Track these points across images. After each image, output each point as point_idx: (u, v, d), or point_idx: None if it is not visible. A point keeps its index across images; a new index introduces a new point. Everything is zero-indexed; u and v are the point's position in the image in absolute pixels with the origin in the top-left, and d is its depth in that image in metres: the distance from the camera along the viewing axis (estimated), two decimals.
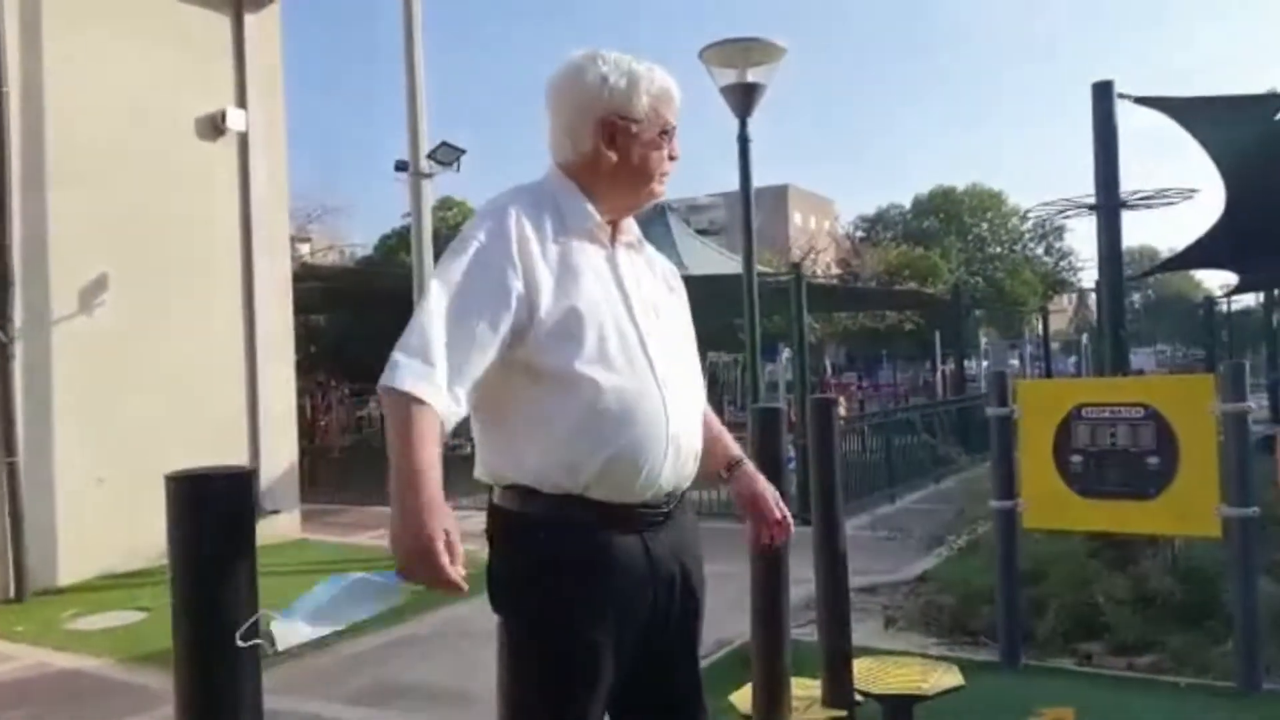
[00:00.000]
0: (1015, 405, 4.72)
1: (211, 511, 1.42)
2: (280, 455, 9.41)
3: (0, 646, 6.01)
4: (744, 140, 4.88)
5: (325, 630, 1.59)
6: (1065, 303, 50.66)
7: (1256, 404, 18.66)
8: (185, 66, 8.95)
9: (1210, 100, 6.33)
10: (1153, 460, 4.32)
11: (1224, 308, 24.37)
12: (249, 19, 9.47)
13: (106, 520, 7.70)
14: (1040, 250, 47.81)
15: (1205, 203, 9.01)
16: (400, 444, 1.61)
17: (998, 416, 4.73)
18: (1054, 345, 30.27)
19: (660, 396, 1.80)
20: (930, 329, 27.15)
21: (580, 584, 1.76)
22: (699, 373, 2.00)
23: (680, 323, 2.00)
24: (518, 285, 1.72)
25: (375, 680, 5.02)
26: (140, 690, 5.08)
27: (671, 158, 1.92)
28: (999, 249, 46.24)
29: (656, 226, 16.82)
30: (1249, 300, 24.51)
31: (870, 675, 3.50)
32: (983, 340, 28.81)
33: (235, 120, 9.15)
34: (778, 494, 2.13)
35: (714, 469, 2.09)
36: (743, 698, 3.16)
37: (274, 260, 9.64)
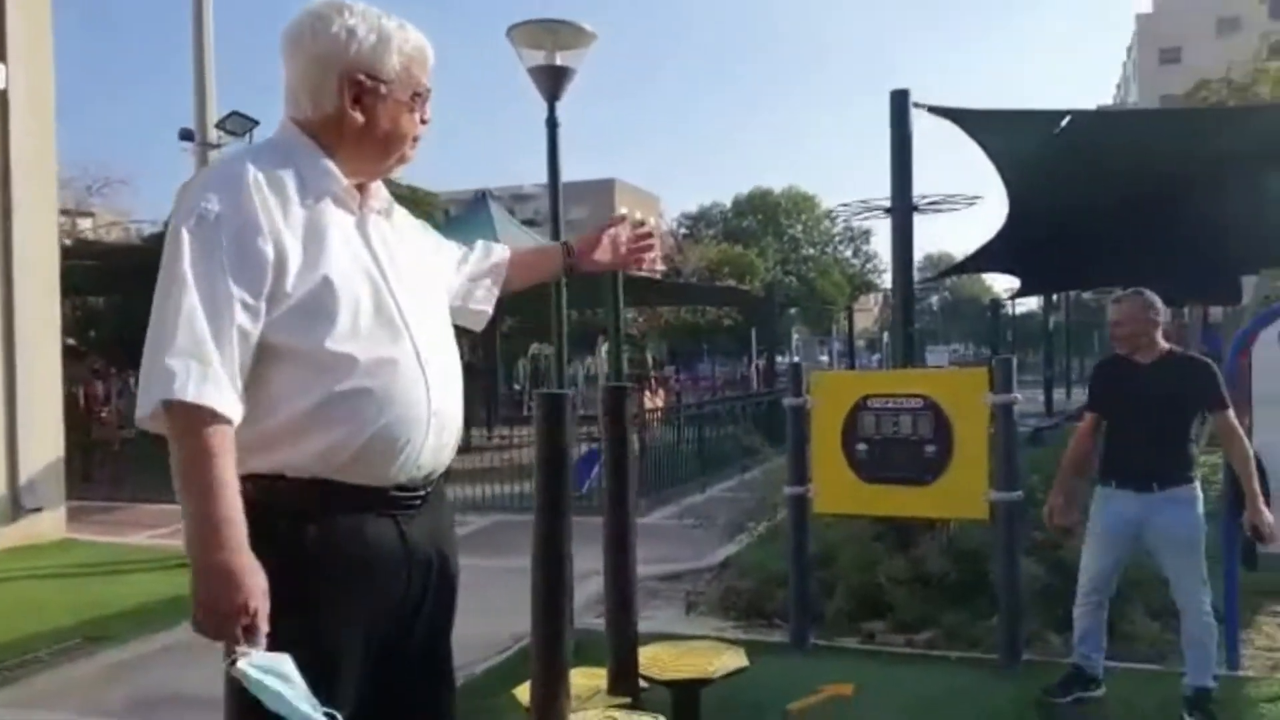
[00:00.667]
0: (810, 396, 4.89)
1: None
2: (43, 448, 8.56)
3: None
4: (553, 125, 4.82)
5: None
6: (871, 302, 53.75)
7: (1033, 399, 20.49)
8: None
9: (997, 113, 6.80)
10: (930, 448, 4.58)
11: (1009, 310, 26.53)
12: None
13: None
14: (849, 253, 50.61)
15: (1000, 211, 9.72)
16: (199, 480, 1.47)
17: (793, 406, 4.89)
18: (860, 343, 32.06)
19: (421, 372, 1.70)
20: (748, 325, 28.08)
21: (326, 580, 1.62)
22: (455, 345, 1.89)
23: (438, 292, 1.91)
24: (269, 253, 1.56)
25: (137, 690, 4.63)
26: None
27: (424, 122, 1.80)
28: (812, 250, 48.61)
29: (478, 214, 16.51)
30: (1033, 303, 26.74)
31: (659, 661, 3.52)
32: (795, 336, 30.10)
33: None
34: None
35: (554, 268, 2.25)
36: (524, 691, 3.10)
37: (38, 233, 8.74)
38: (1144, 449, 3.82)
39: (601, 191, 60.43)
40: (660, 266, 33.73)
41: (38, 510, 8.49)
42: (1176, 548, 3.79)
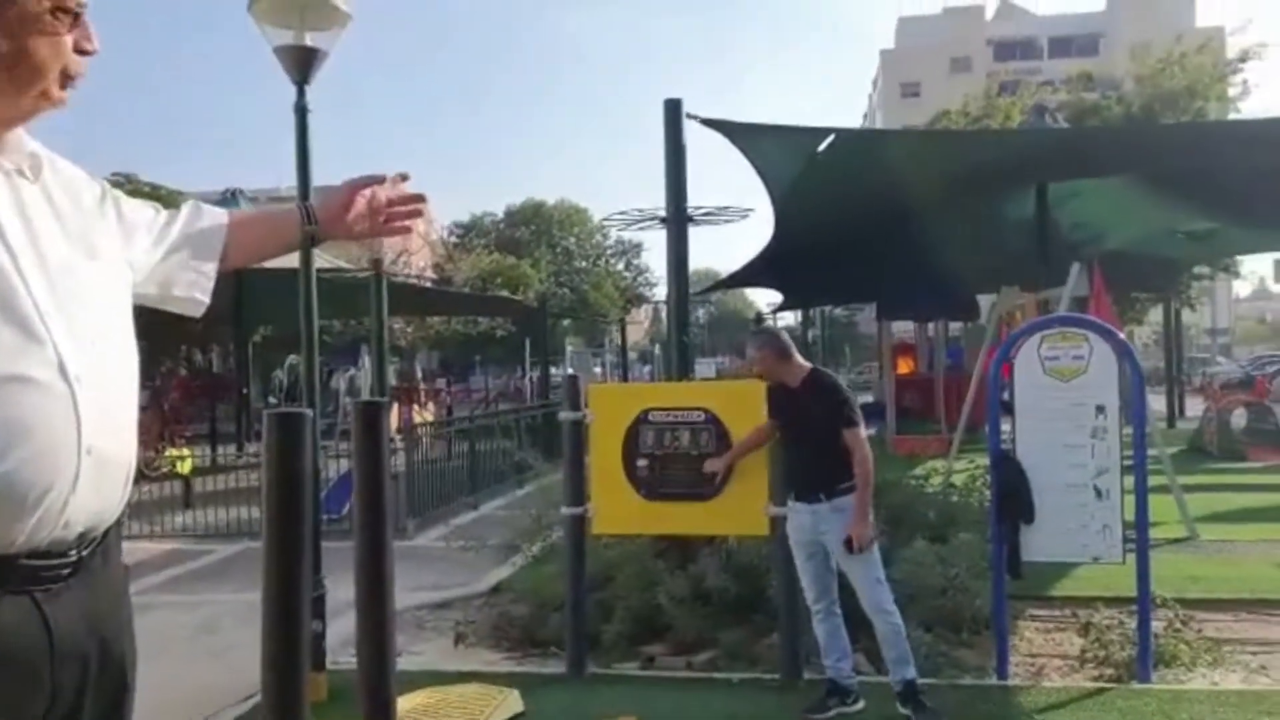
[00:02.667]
0: (588, 410, 4.65)
1: None
2: None
3: None
4: (302, 110, 4.30)
5: None
6: (642, 315, 54.92)
7: None
8: None
9: (765, 128, 6.90)
10: (710, 463, 4.45)
11: (772, 323, 27.81)
12: None
13: None
14: (621, 265, 51.42)
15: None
16: None
17: (570, 421, 4.63)
18: (632, 355, 32.57)
19: (69, 394, 1.27)
20: (521, 336, 27.73)
21: None
22: (133, 353, 1.44)
23: (109, 281, 1.43)
24: None
25: None
26: None
27: (82, 52, 1.36)
28: (585, 262, 48.93)
29: None
30: (793, 317, 28.17)
31: (424, 711, 3.13)
32: (568, 348, 30.11)
33: None
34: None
35: (289, 237, 1.77)
36: None
37: None
38: (807, 463, 4.11)
39: None
40: (430, 275, 32.77)
41: None
42: (848, 553, 3.94)
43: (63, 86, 1.35)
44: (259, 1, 4.11)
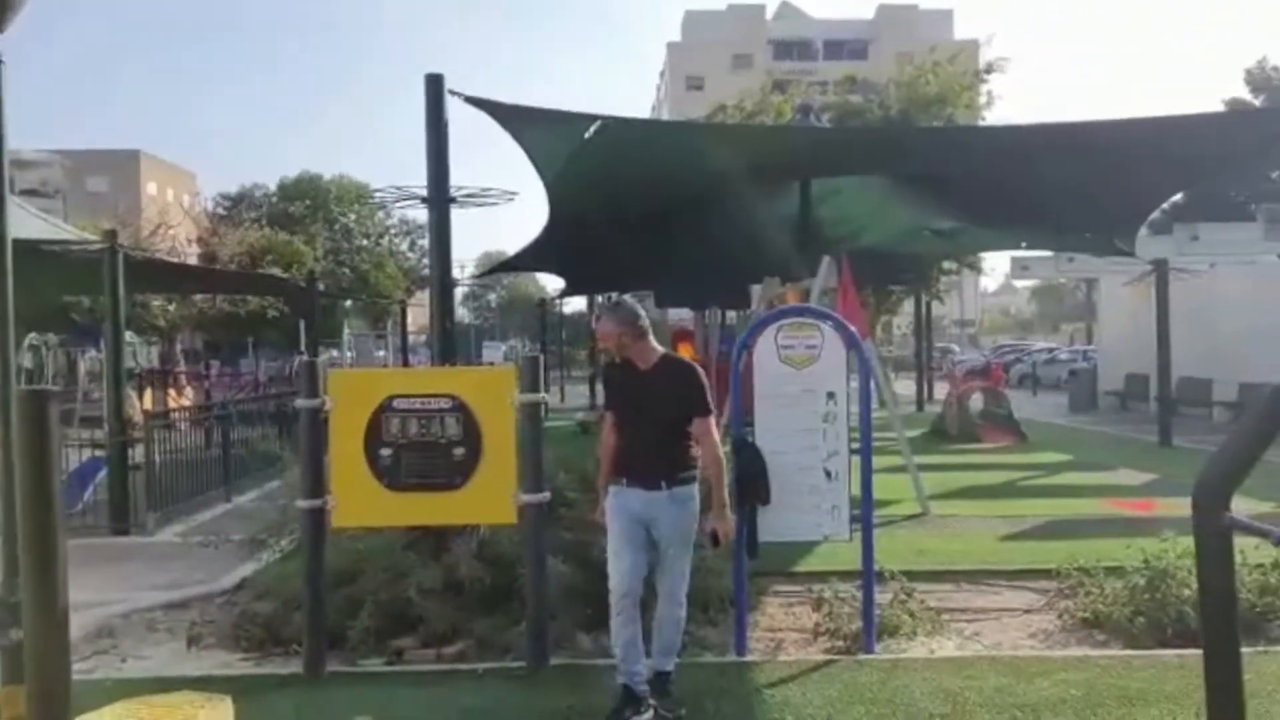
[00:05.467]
0: (328, 397, 4.41)
1: None
2: None
3: None
4: None
5: None
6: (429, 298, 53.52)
7: (582, 394, 21.72)
8: None
9: (532, 110, 6.80)
10: (459, 451, 4.35)
11: (558, 309, 27.84)
12: None
13: None
14: (405, 246, 49.79)
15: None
16: None
17: (307, 409, 4.37)
18: (420, 338, 31.65)
19: None
20: (296, 318, 26.30)
21: None
22: None
23: None
24: None
25: None
26: None
27: None
28: (366, 241, 46.98)
29: None
30: (583, 302, 28.33)
31: None
32: (347, 331, 28.86)
33: None
34: None
35: None
36: None
37: None
38: (648, 449, 3.91)
39: (126, 163, 53.37)
40: (194, 250, 30.46)
41: None
42: (681, 543, 3.93)
43: None
44: None
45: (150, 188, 53.12)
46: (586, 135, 7.10)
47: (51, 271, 10.62)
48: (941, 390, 19.44)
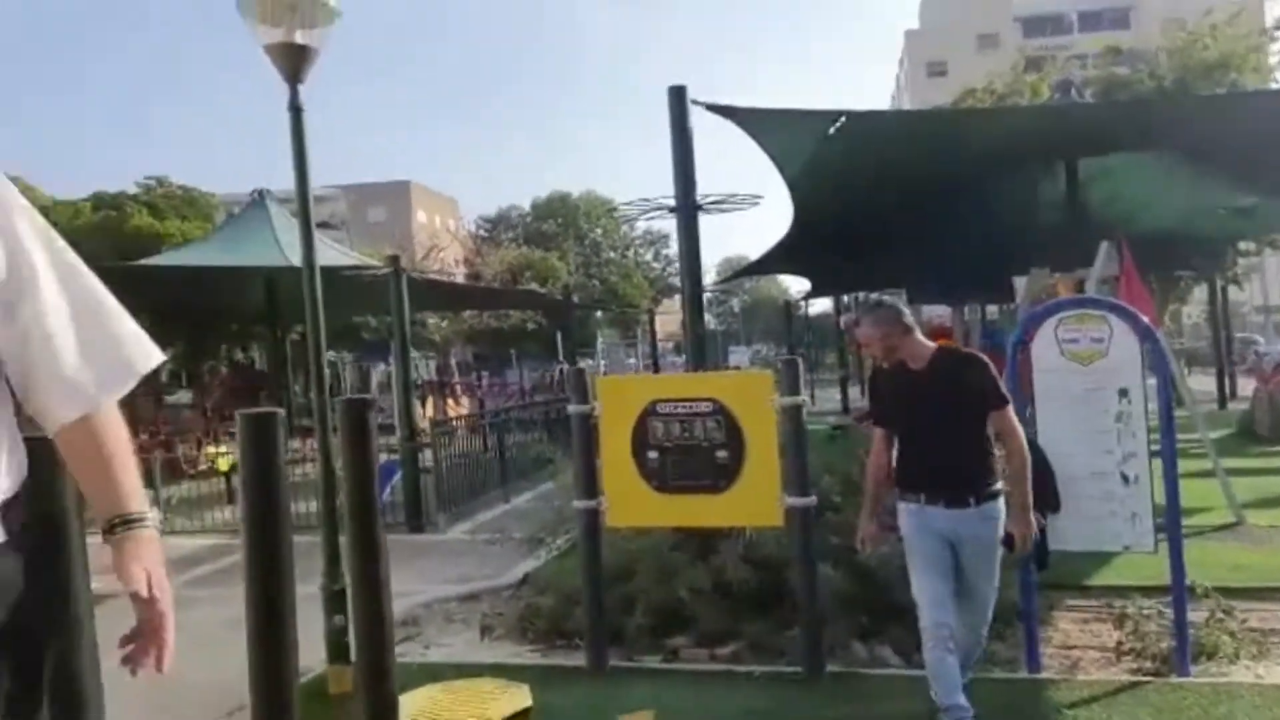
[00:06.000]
0: (596, 403, 4.62)
1: None
2: None
3: None
4: (296, 110, 4.30)
5: None
6: (676, 305, 54.82)
7: (832, 398, 21.32)
8: None
9: (771, 112, 6.79)
10: (722, 454, 4.40)
11: (804, 311, 27.52)
12: None
13: None
14: (649, 256, 51.30)
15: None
16: None
17: (578, 414, 4.60)
18: (669, 345, 32.47)
19: None
20: (553, 329, 27.76)
21: None
22: None
23: None
24: None
25: None
26: None
27: None
28: (613, 254, 48.88)
29: (255, 215, 15.33)
30: (828, 303, 27.86)
31: (430, 709, 3.13)
32: (600, 341, 30.11)
33: None
34: (160, 585, 1.45)
35: (87, 496, 1.48)
36: None
37: None
38: (948, 457, 3.56)
39: (398, 194, 58.71)
40: (461, 270, 32.92)
41: None
42: (988, 562, 3.63)
43: None
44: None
45: (420, 215, 58.12)
46: (830, 131, 7.01)
47: (344, 294, 11.85)
48: (1246, 386, 17.34)
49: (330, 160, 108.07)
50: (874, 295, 4.74)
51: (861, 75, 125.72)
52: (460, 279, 32.23)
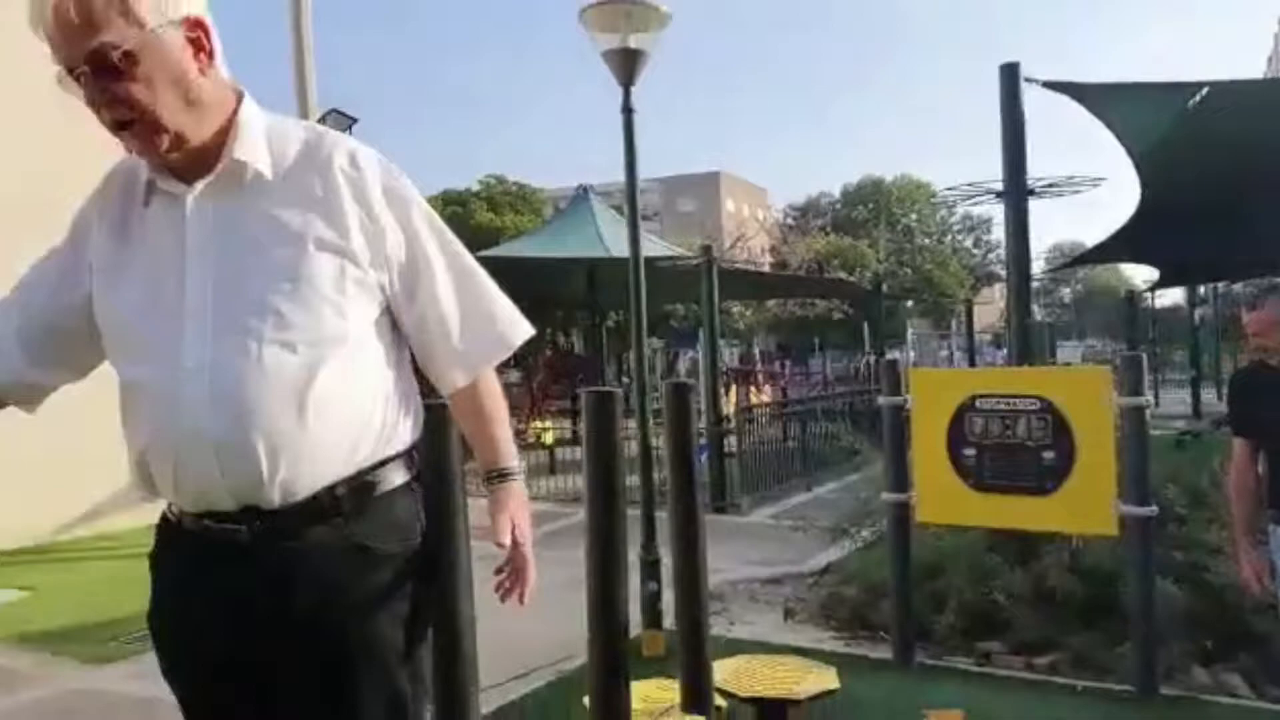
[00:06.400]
0: (908, 395, 4.53)
1: None
2: None
3: None
4: (628, 111, 4.60)
5: None
6: (996, 295, 51.70)
7: (1180, 400, 19.10)
8: None
9: (1122, 87, 6.22)
10: (1049, 455, 4.15)
11: (1149, 303, 24.81)
12: None
13: None
14: (969, 242, 48.61)
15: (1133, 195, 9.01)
16: None
17: (890, 406, 4.54)
18: (985, 337, 30.73)
19: (172, 389, 1.42)
20: (860, 319, 27.30)
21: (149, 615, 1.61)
22: (301, 332, 1.45)
23: (288, 268, 1.45)
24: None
25: None
26: (13, 674, 4.72)
27: (97, 105, 1.38)
28: (928, 240, 46.88)
29: (579, 209, 16.49)
30: (1178, 295, 24.99)
31: (741, 676, 3.27)
32: (910, 331, 29.10)
33: None
34: (523, 531, 1.62)
35: (480, 470, 1.69)
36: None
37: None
38: None
39: (708, 184, 60.20)
40: (767, 259, 33.21)
41: (144, 497, 8.87)
42: None
43: (121, 138, 1.42)
44: (588, 10, 4.46)
45: (729, 204, 59.26)
46: (1190, 104, 6.31)
47: (655, 283, 12.48)
48: None
49: (644, 152, 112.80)
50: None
51: (1223, 38, 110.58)
52: (766, 268, 32.55)
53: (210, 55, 1.44)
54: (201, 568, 1.49)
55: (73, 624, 5.59)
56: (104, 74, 1.34)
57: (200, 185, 1.46)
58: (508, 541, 1.58)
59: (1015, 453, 4.22)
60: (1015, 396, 4.22)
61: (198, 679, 1.55)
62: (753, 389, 18.49)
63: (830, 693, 3.22)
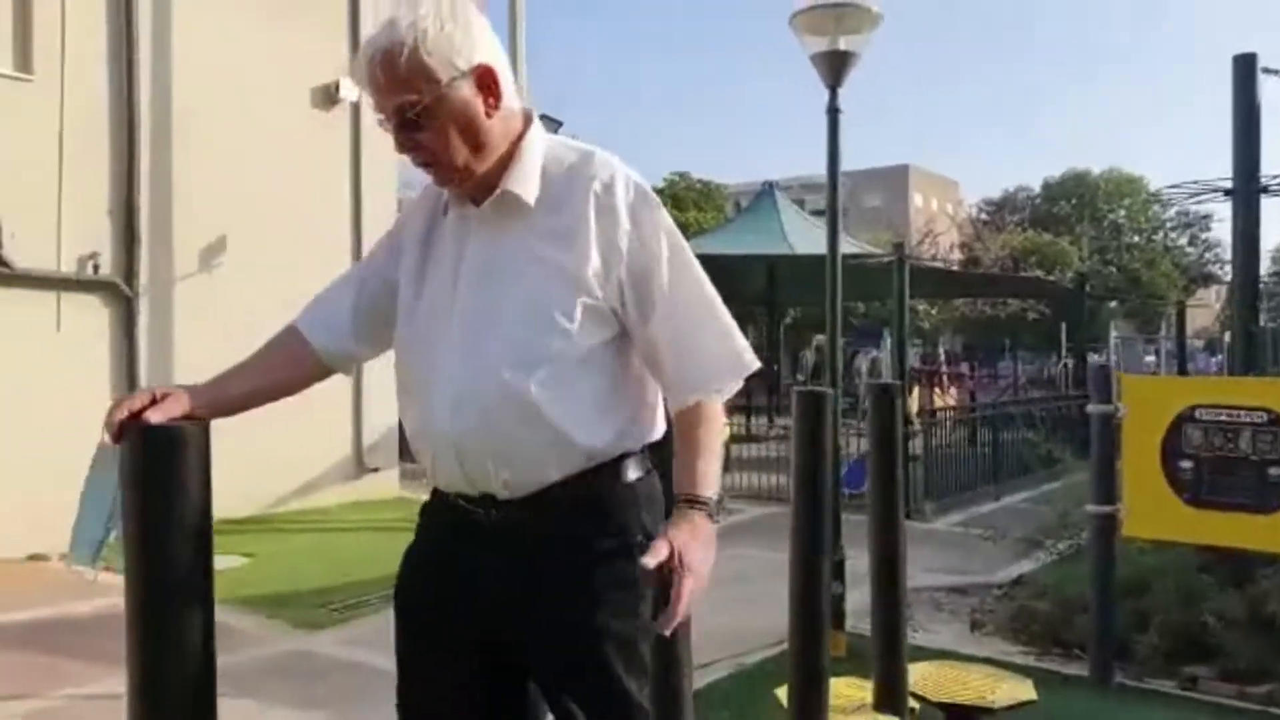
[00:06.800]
0: (1120, 403, 4.36)
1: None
2: (382, 416, 9.65)
3: (115, 581, 6.42)
4: (834, 112, 4.62)
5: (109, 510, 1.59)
6: (1213, 297, 47.59)
7: None
8: (301, 36, 9.20)
9: None
10: (1274, 471, 3.91)
11: None
12: None
13: (221, 469, 8.02)
14: (1184, 240, 44.84)
15: None
16: None
17: (1100, 414, 4.37)
18: (1197, 343, 28.41)
19: (429, 380, 1.64)
20: (1056, 320, 25.85)
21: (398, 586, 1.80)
22: (532, 351, 1.59)
23: (533, 287, 1.61)
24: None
25: None
26: (237, 632, 5.26)
27: (401, 148, 1.62)
28: (1136, 238, 43.58)
29: (763, 205, 16.50)
30: None
31: (934, 681, 3.28)
32: (1113, 333, 27.27)
33: (348, 90, 9.35)
34: (689, 562, 1.53)
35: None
36: (785, 693, 3.01)
37: (382, 227, 9.82)
38: None
39: (896, 178, 58.49)
40: (956, 256, 31.95)
41: (375, 470, 9.67)
42: None
43: (423, 170, 1.65)
44: (800, 14, 4.52)
45: (917, 199, 57.35)
46: None
47: (822, 279, 12.31)
48: None
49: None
50: None
51: None
52: (955, 265, 31.36)
53: (498, 98, 1.60)
54: (452, 534, 1.69)
55: (286, 590, 6.15)
56: (404, 126, 1.57)
57: (483, 207, 1.66)
58: (651, 562, 1.50)
59: (1237, 467, 4.00)
60: (1239, 408, 3.99)
61: (425, 636, 1.72)
62: (937, 391, 17.93)
63: (1027, 704, 3.19)
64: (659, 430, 1.74)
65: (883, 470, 3.06)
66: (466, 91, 1.57)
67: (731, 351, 1.68)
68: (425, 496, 1.83)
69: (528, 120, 1.68)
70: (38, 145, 7.42)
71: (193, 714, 1.30)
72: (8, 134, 7.27)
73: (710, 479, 1.61)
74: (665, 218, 1.68)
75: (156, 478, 1.30)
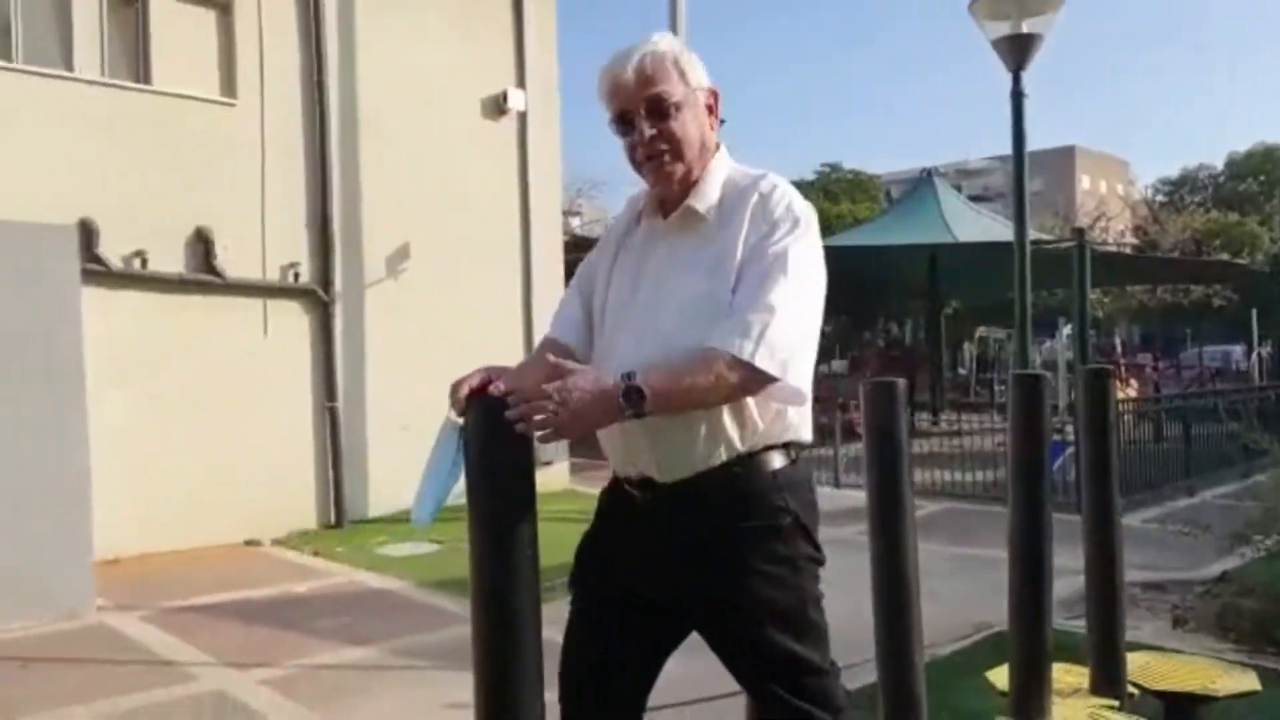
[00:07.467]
0: None
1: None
2: None
3: (324, 564, 7.08)
4: (1018, 96, 4.53)
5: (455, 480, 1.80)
6: None
7: None
8: (471, 48, 9.65)
9: None
10: None
11: None
12: (528, 1, 10.02)
13: (409, 463, 8.51)
14: None
15: None
16: None
17: None
18: None
19: (606, 374, 1.78)
20: (1246, 307, 24.00)
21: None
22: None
23: (688, 290, 1.80)
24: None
25: None
26: (437, 610, 5.66)
27: (633, 154, 1.86)
28: None
29: (923, 194, 16.08)
30: None
31: (1148, 670, 3.20)
32: None
33: (516, 100, 9.75)
34: (567, 395, 1.64)
35: None
36: (999, 675, 3.01)
37: (547, 232, 10.22)
38: None
39: (1060, 160, 55.58)
40: (1130, 240, 30.10)
41: (548, 464, 10.04)
42: None
43: (643, 170, 1.86)
44: (979, 1, 4.45)
45: (1084, 181, 54.32)
46: None
47: (991, 268, 11.86)
48: None
49: (991, 129, 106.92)
50: None
51: None
52: (1129, 250, 29.63)
53: (717, 119, 1.90)
54: (620, 514, 1.92)
55: None
56: (655, 114, 1.80)
57: (670, 219, 1.89)
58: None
59: None
60: None
61: (595, 596, 1.96)
62: (1117, 383, 16.97)
63: (1251, 693, 3.08)
64: (806, 432, 1.88)
65: (1097, 459, 3.00)
66: (704, 101, 1.87)
67: (759, 336, 1.69)
68: (593, 489, 2.07)
69: (717, 147, 1.92)
70: (242, 164, 8.08)
71: (528, 618, 1.71)
72: (217, 155, 7.96)
73: (657, 381, 1.65)
74: (807, 236, 1.81)
75: (498, 436, 1.62)
